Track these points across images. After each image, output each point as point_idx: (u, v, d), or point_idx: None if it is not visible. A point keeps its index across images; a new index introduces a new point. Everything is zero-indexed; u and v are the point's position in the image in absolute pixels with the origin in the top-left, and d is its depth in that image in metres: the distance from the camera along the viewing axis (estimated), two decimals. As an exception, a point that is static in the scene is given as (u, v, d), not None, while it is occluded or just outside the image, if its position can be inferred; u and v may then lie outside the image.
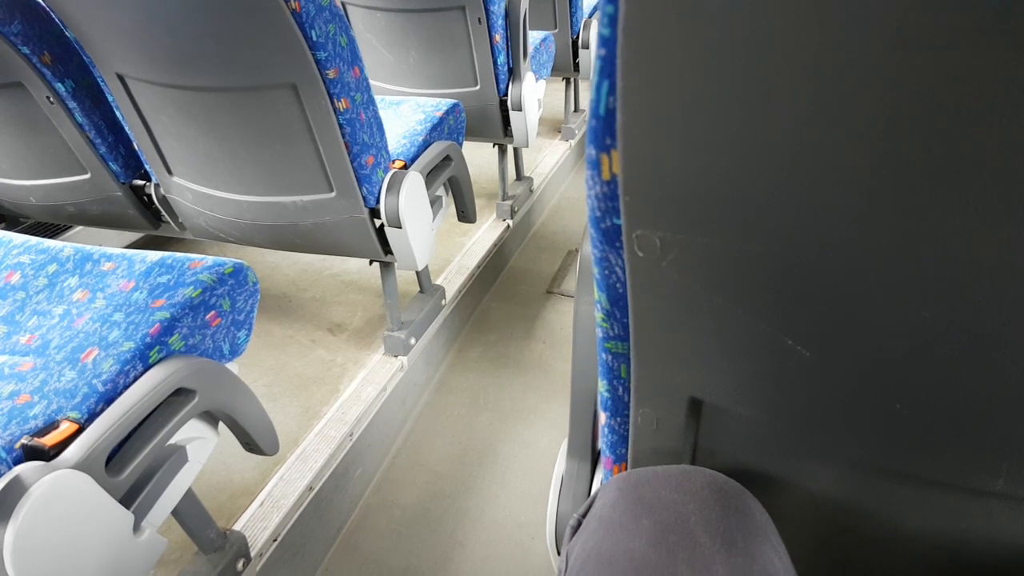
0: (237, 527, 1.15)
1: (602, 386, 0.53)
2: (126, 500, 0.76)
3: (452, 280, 1.87)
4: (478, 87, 1.85)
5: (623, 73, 0.32)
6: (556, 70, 2.50)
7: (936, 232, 0.30)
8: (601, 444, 0.59)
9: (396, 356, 1.57)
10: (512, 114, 1.89)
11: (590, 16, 2.59)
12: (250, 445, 0.96)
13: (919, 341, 0.35)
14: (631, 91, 0.32)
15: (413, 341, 1.59)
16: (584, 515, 0.48)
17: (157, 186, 1.42)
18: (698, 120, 0.32)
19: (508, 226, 2.18)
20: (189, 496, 0.96)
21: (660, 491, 0.45)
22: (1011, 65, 0.25)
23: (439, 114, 1.55)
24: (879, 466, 0.45)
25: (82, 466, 0.69)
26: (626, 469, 0.57)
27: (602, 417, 0.56)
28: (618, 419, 0.54)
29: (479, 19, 1.67)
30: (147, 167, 1.37)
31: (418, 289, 1.71)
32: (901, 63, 0.27)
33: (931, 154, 0.28)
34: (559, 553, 0.60)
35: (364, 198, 1.24)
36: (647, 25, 0.30)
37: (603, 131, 0.35)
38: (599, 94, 0.34)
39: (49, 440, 0.70)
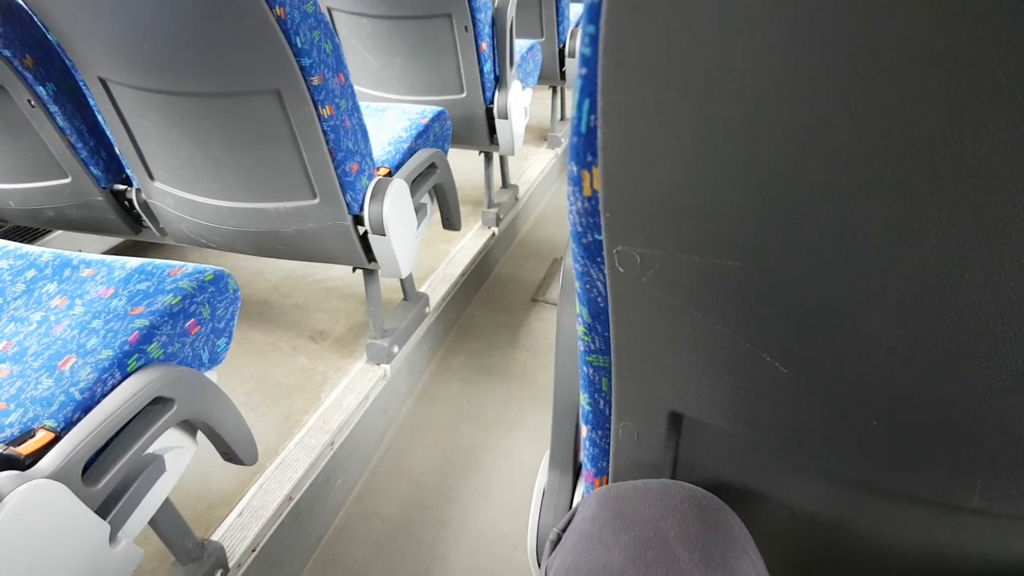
0: (215, 537, 1.14)
1: (584, 399, 0.53)
2: (102, 510, 0.75)
3: (436, 288, 1.87)
4: (464, 95, 1.85)
5: (604, 92, 0.32)
6: (543, 78, 2.51)
7: (910, 252, 0.31)
8: (583, 457, 0.59)
9: (379, 364, 1.57)
10: (498, 122, 1.89)
11: (577, 25, 2.60)
12: (229, 455, 0.95)
13: (894, 359, 0.35)
14: (612, 110, 0.32)
15: (396, 349, 1.58)
16: (564, 529, 0.48)
17: (138, 191, 1.41)
18: (678, 139, 0.32)
19: (493, 234, 2.18)
20: (167, 506, 0.95)
21: (640, 505, 0.45)
22: (982, 90, 0.25)
23: (425, 121, 1.55)
24: (857, 481, 0.45)
25: (58, 476, 0.68)
26: (607, 482, 0.57)
27: (584, 430, 0.56)
28: (599, 432, 0.54)
29: (465, 27, 1.68)
30: (128, 172, 1.36)
31: (402, 296, 1.71)
32: (877, 87, 0.27)
33: (906, 175, 0.29)
34: (539, 566, 0.59)
35: (348, 205, 1.24)
36: (628, 46, 0.30)
37: (584, 148, 0.36)
38: (580, 112, 0.35)
39: (25, 449, 0.69)
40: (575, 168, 0.37)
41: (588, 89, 0.34)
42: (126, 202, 1.47)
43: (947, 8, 0.24)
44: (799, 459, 0.46)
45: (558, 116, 2.90)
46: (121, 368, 0.78)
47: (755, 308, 0.37)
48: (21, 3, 1.16)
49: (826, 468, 0.45)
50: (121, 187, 1.44)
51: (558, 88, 2.84)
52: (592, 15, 0.31)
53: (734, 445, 0.49)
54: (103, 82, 1.16)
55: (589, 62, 0.32)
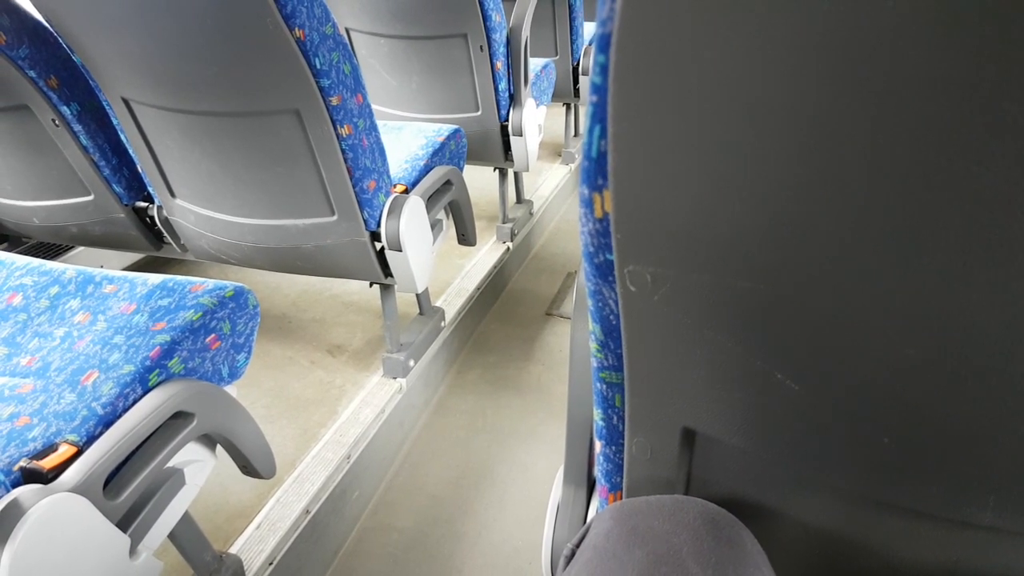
0: (233, 550, 1.15)
1: (597, 415, 0.53)
2: (123, 523, 0.76)
3: (452, 302, 1.88)
4: (479, 112, 1.87)
5: (614, 119, 0.33)
6: (557, 96, 2.52)
7: (919, 273, 0.31)
8: (596, 472, 0.59)
9: (395, 378, 1.58)
10: (513, 139, 1.91)
11: (591, 43, 2.61)
12: (247, 468, 0.96)
13: (904, 376, 0.35)
14: (621, 136, 0.33)
15: (412, 363, 1.59)
16: (578, 544, 0.48)
17: (160, 208, 1.43)
18: (688, 164, 0.33)
19: (508, 248, 2.19)
20: (185, 519, 0.96)
21: (653, 521, 0.45)
22: (985, 117, 0.26)
23: (441, 139, 1.57)
24: (869, 498, 0.45)
25: (80, 489, 0.69)
26: (621, 497, 0.58)
27: (597, 445, 0.56)
28: (613, 448, 0.55)
29: (481, 46, 1.70)
30: (150, 189, 1.38)
31: (418, 311, 1.72)
32: (884, 113, 0.27)
33: (914, 198, 0.29)
34: (554, 581, 0.60)
35: (365, 221, 1.26)
36: (637, 76, 0.31)
37: (595, 172, 0.37)
38: (591, 137, 0.35)
39: (48, 463, 0.70)
40: (586, 191, 0.38)
41: (599, 116, 0.34)
42: (148, 219, 1.50)
43: (951, 39, 0.25)
44: (812, 475, 0.46)
45: (572, 132, 2.92)
46: (142, 383, 0.79)
47: (766, 327, 0.37)
48: (47, 25, 1.18)
49: (838, 484, 0.46)
50: (143, 204, 1.47)
51: (572, 105, 2.86)
52: (603, 45, 0.32)
53: (747, 461, 0.49)
54: (126, 102, 1.18)
55: (600, 90, 0.33)
